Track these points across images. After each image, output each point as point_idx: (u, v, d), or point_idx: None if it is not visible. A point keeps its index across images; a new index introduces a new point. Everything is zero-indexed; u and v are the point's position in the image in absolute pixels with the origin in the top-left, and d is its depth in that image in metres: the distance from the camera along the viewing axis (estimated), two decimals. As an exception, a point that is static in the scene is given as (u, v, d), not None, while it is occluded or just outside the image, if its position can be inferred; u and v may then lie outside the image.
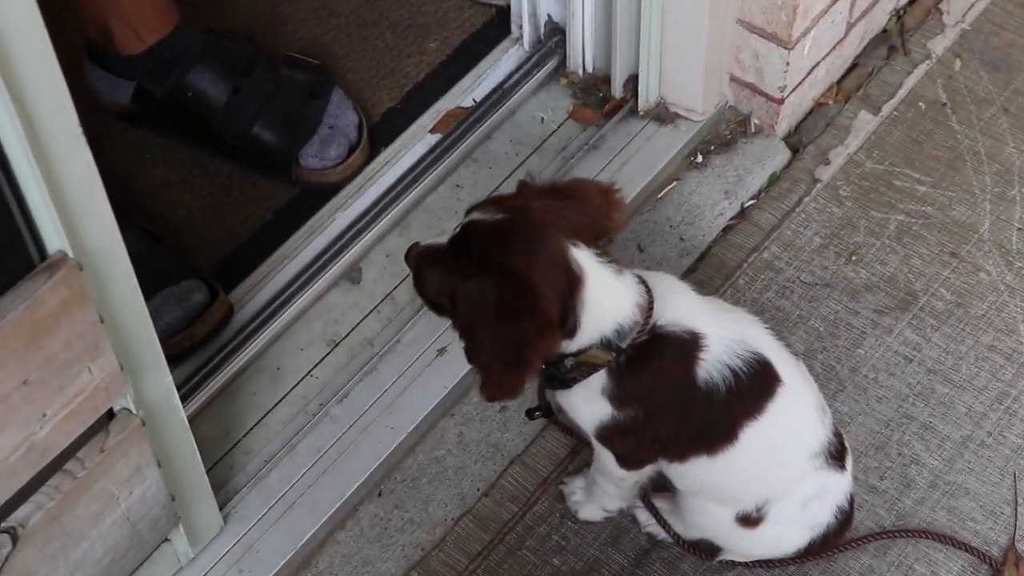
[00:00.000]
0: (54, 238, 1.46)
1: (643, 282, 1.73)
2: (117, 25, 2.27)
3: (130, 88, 2.36)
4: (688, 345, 1.72)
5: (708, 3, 2.25)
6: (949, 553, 2.06)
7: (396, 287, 2.28)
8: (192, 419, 2.09)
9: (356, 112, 2.40)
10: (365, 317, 2.26)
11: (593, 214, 1.69)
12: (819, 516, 1.91)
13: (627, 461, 1.87)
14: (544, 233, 1.63)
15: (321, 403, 2.17)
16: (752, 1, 2.29)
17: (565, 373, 1.74)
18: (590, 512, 2.08)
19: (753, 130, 2.49)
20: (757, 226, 2.40)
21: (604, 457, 1.89)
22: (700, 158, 2.47)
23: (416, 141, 2.42)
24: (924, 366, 2.24)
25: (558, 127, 2.47)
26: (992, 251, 2.37)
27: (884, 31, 2.64)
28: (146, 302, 2.01)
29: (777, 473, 1.85)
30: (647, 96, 2.45)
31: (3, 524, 1.62)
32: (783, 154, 2.49)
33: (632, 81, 2.47)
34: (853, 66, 2.61)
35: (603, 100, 2.50)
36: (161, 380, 1.74)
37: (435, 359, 2.20)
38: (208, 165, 2.41)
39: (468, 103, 2.46)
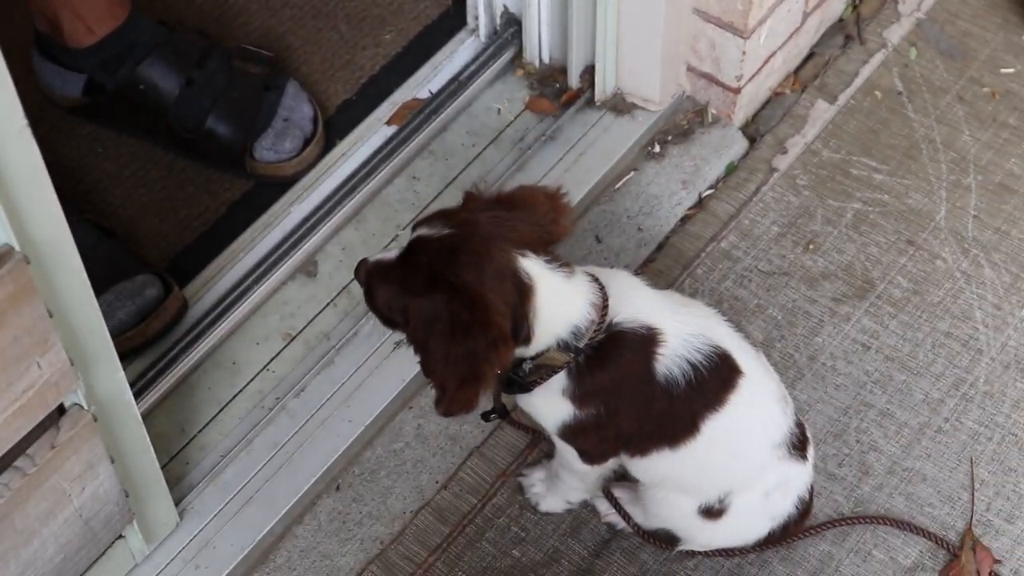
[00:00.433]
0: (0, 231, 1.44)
1: (596, 280, 1.73)
2: (67, 17, 2.25)
3: (81, 81, 2.34)
4: (646, 341, 1.73)
5: (663, -8, 2.25)
6: (907, 538, 2.06)
7: (352, 280, 2.26)
8: (147, 414, 2.08)
9: (311, 104, 2.38)
10: (321, 310, 2.24)
11: (540, 221, 1.70)
12: (781, 507, 1.92)
13: (590, 456, 1.87)
14: (491, 246, 1.63)
15: (278, 397, 2.15)
16: (707, -10, 2.30)
17: (524, 377, 1.74)
18: (552, 504, 2.08)
19: (710, 120, 2.49)
20: (715, 216, 2.40)
21: (566, 453, 1.88)
22: (657, 148, 2.46)
23: (372, 133, 2.40)
24: (882, 353, 2.25)
25: (515, 118, 2.46)
26: (948, 239, 2.37)
27: (840, 20, 2.65)
28: (99, 297, 1.99)
29: (740, 464, 1.86)
30: (604, 87, 2.45)
31: (-48, 522, 1.60)
32: (740, 144, 2.49)
33: (589, 72, 2.46)
34: (810, 55, 2.61)
35: (560, 91, 2.49)
36: (113, 375, 1.72)
37: (392, 352, 2.19)
38: (161, 159, 2.39)
39: (424, 95, 2.45)
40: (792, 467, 1.87)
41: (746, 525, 1.94)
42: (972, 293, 2.31)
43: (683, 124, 2.49)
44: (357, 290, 2.24)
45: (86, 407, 1.70)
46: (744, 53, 2.35)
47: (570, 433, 1.81)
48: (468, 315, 1.60)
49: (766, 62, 2.45)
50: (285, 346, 2.21)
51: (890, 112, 2.53)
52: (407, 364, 2.17)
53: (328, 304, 2.25)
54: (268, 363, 2.19)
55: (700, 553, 2.04)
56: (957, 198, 2.42)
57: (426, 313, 1.63)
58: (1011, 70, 2.59)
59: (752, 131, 2.52)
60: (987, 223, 2.39)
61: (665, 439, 1.80)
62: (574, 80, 2.48)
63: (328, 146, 2.40)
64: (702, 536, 1.97)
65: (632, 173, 2.43)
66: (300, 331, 2.22)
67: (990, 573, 2.02)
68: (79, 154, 2.39)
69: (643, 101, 2.45)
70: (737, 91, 2.43)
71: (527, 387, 1.75)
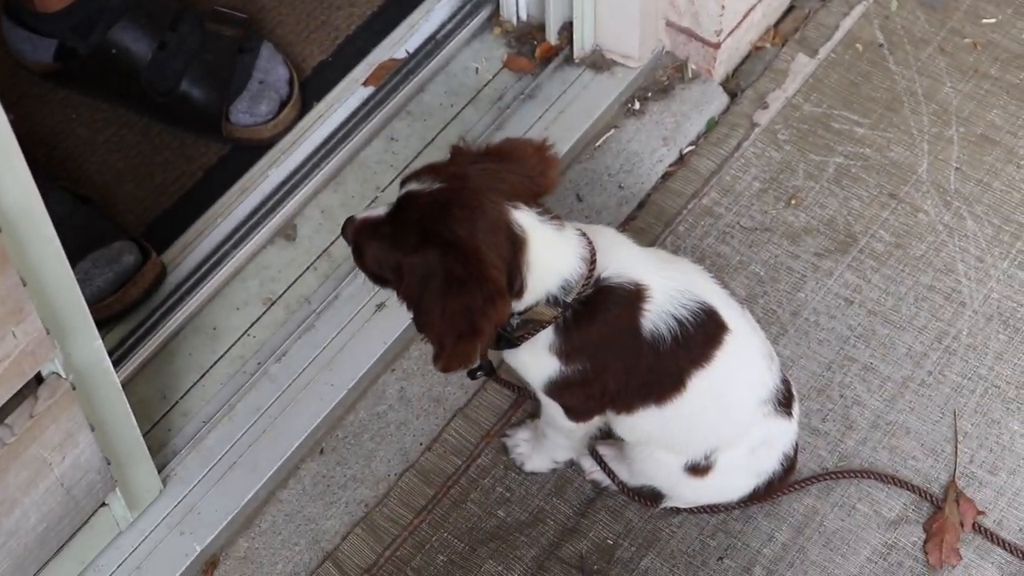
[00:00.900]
0: (-31, 200, 1.43)
1: (584, 235, 1.72)
2: (36, -19, 2.22)
3: (52, 47, 2.31)
4: (632, 296, 1.72)
5: (640, -53, 2.23)
6: (891, 492, 2.07)
7: (332, 243, 2.25)
8: (127, 382, 2.07)
9: (286, 66, 2.36)
10: (301, 274, 2.23)
11: (529, 173, 1.68)
12: (766, 463, 1.92)
13: (575, 413, 1.87)
14: (483, 199, 1.62)
15: (259, 362, 2.14)
16: (685, -56, 2.28)
17: (512, 332, 1.73)
18: (538, 463, 2.08)
19: (690, 75, 2.47)
20: (696, 172, 2.39)
21: (552, 410, 1.88)
22: (637, 105, 2.45)
23: (349, 94, 2.38)
24: (864, 308, 2.24)
25: (493, 77, 2.44)
26: (930, 191, 2.36)
27: (819, -28, 2.63)
28: (75, 265, 1.97)
29: (725, 421, 1.85)
30: (582, 43, 2.43)
31: (-69, 494, 1.59)
32: (721, 99, 2.47)
33: (567, 29, 2.44)
34: (790, 8, 2.60)
35: (537, 49, 2.47)
36: (90, 343, 1.71)
37: (374, 315, 2.18)
38: (136, 124, 2.37)
39: (401, 55, 2.43)
40: (777, 424, 1.87)
41: (731, 482, 1.94)
42: (955, 246, 2.31)
43: (663, 80, 2.48)
44: (338, 253, 2.24)
45: (64, 376, 1.69)
46: (723, 7, 2.33)
47: (556, 389, 1.80)
48: (463, 270, 1.59)
49: (746, 16, 2.43)
50: (266, 311, 2.19)
51: (871, 65, 2.52)
52: (389, 327, 2.16)
53: (308, 268, 2.23)
54: (249, 328, 2.18)
55: (685, 510, 2.04)
56: (939, 150, 2.41)
57: (420, 270, 1.61)
58: (992, 20, 2.58)
59: (732, 86, 2.50)
60: (969, 175, 2.38)
61: (651, 396, 1.80)
62: (552, 37, 2.46)
63: (305, 108, 2.37)
64: (688, 493, 1.97)
65: (612, 131, 2.42)
66: (280, 295, 2.21)
67: (973, 524, 2.03)
68: (52, 120, 2.36)
69: (622, 58, 2.43)
70: (717, 46, 2.41)
71: (514, 342, 1.74)
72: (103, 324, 2.10)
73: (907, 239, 2.31)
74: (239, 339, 2.17)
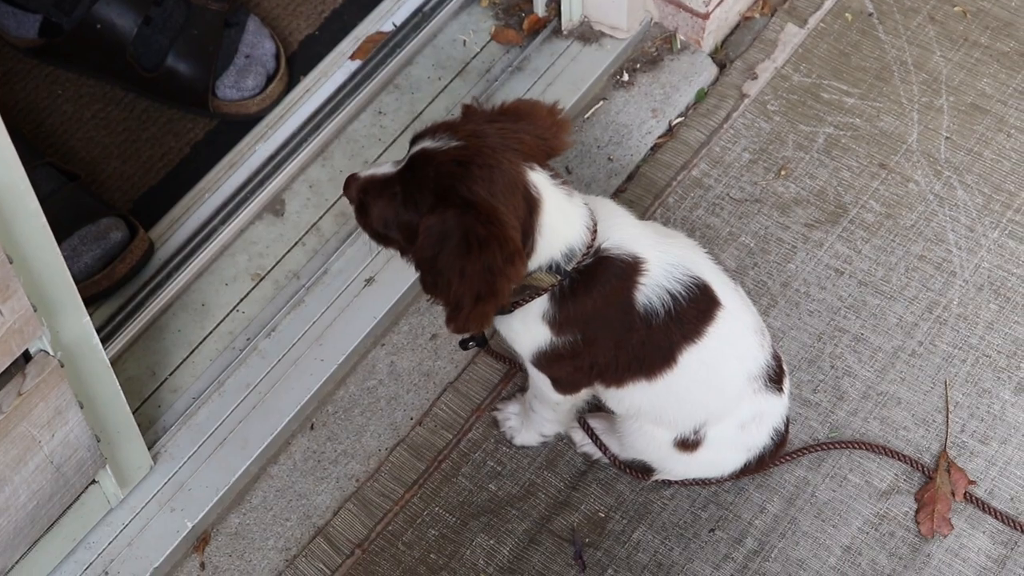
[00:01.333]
0: (-48, 176, 1.42)
1: (586, 204, 1.71)
2: (19, -44, 2.20)
3: (36, 22, 2.29)
4: (630, 269, 1.71)
5: (628, -83, 2.22)
6: (882, 462, 2.07)
7: (321, 218, 2.24)
8: (116, 359, 2.07)
9: (273, 40, 2.34)
10: (290, 249, 2.22)
11: (543, 134, 1.67)
12: (756, 438, 1.91)
13: (563, 385, 1.86)
14: (502, 158, 1.60)
15: (248, 338, 2.14)
16: (673, -86, 2.26)
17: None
18: (526, 437, 2.07)
19: (679, 47, 2.46)
20: (685, 144, 2.38)
21: (539, 382, 1.87)
22: (626, 77, 2.44)
23: (336, 68, 2.37)
24: (855, 278, 2.24)
25: (481, 50, 2.43)
26: (921, 161, 2.36)
27: (808, -58, 2.62)
28: (63, 242, 1.97)
29: (715, 396, 1.85)
30: (570, 15, 2.41)
31: (-81, 473, 1.59)
32: (710, 70, 2.46)
33: (555, 0, 2.43)
34: (778, -22, 2.59)
35: (525, 21, 2.45)
36: (78, 320, 1.70)
37: (363, 289, 2.17)
38: (122, 100, 2.35)
39: (388, 28, 2.41)
40: (768, 399, 1.87)
41: (722, 457, 1.94)
42: (945, 215, 2.30)
43: (652, 51, 2.46)
44: (326, 228, 2.23)
45: (52, 353, 1.68)
46: (712, -23, 2.32)
47: (545, 360, 1.79)
48: (484, 230, 1.57)
49: (734, -14, 2.42)
50: (254, 286, 2.19)
51: (861, 34, 2.51)
52: (378, 301, 2.16)
53: (296, 243, 2.22)
54: (238, 304, 2.17)
55: (676, 482, 2.04)
56: (929, 120, 2.40)
57: (436, 230, 1.59)
58: (981, -11, 2.57)
59: (722, 57, 2.49)
60: (959, 144, 2.37)
61: (642, 370, 1.79)
62: (540, 9, 2.44)
63: (291, 83, 2.36)
64: (678, 468, 1.97)
65: (601, 103, 2.41)
66: (269, 271, 2.20)
67: (965, 494, 2.03)
68: (38, 97, 2.35)
69: (611, 29, 2.42)
70: (706, 16, 2.40)
71: (508, 308, 1.72)
72: (91, 301, 2.10)
73: (897, 209, 2.31)
74: (228, 315, 2.16)
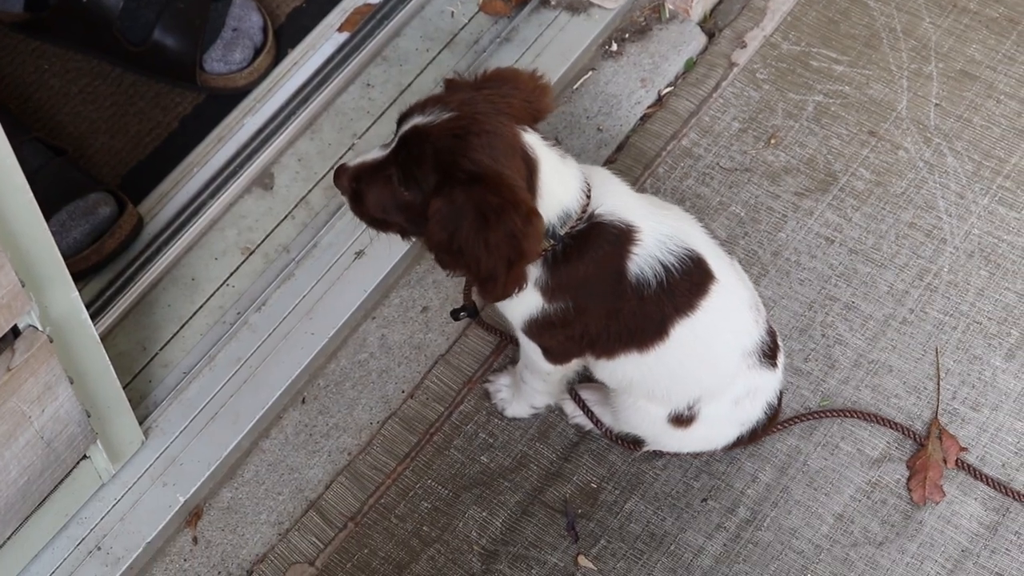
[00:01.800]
0: (-64, 151, 1.41)
1: (579, 170, 1.71)
2: (2, -71, 2.19)
3: (22, -4, 2.29)
4: (622, 237, 1.70)
5: None
6: (874, 430, 2.07)
7: (310, 191, 2.23)
8: (106, 334, 2.06)
9: (260, 13, 2.33)
10: (280, 223, 2.21)
11: (528, 98, 1.66)
12: (750, 413, 1.91)
13: (554, 355, 1.86)
14: (496, 123, 1.59)
15: (239, 312, 2.13)
16: None
17: None
18: (517, 409, 2.07)
19: (668, 16, 2.45)
20: (675, 113, 2.37)
21: (530, 351, 1.87)
22: (615, 47, 2.43)
23: (324, 41, 2.36)
24: (845, 246, 2.24)
25: (468, 21, 2.42)
26: (910, 128, 2.35)
27: (797, -91, 2.60)
28: (51, 217, 1.96)
29: (709, 371, 1.84)
30: (559, -15, 2.40)
31: (-91, 449, 1.58)
32: (699, 39, 2.45)
33: (543, -30, 2.42)
34: (767, -54, 2.57)
35: (514, -9, 2.45)
36: (67, 295, 1.70)
37: (353, 262, 2.16)
38: (109, 74, 2.34)
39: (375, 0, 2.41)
40: (762, 375, 1.86)
41: (715, 432, 1.94)
42: (935, 182, 2.30)
43: (640, 21, 2.45)
44: (315, 201, 2.22)
45: (41, 328, 1.67)
46: (700, -54, 2.31)
47: (536, 329, 1.78)
48: (496, 199, 1.56)
49: (723, -46, 2.41)
50: (244, 260, 2.18)
51: (849, 1, 2.50)
52: (368, 274, 2.15)
53: (286, 216, 2.21)
54: (227, 278, 2.17)
55: (668, 453, 2.04)
56: (919, 87, 2.40)
57: (446, 211, 1.58)
58: (971, -45, 2.56)
59: (710, 26, 2.48)
60: (949, 111, 2.37)
61: (633, 342, 1.78)
62: (528, -21, 2.44)
63: (279, 55, 2.35)
64: (671, 443, 1.97)
65: (590, 73, 2.40)
66: (259, 244, 2.19)
67: (956, 461, 2.03)
68: (24, 72, 2.34)
69: (599, -1, 2.41)
70: (694, -15, 2.39)
71: None
72: (81, 276, 2.09)
73: (887, 177, 2.30)
74: (218, 289, 2.15)
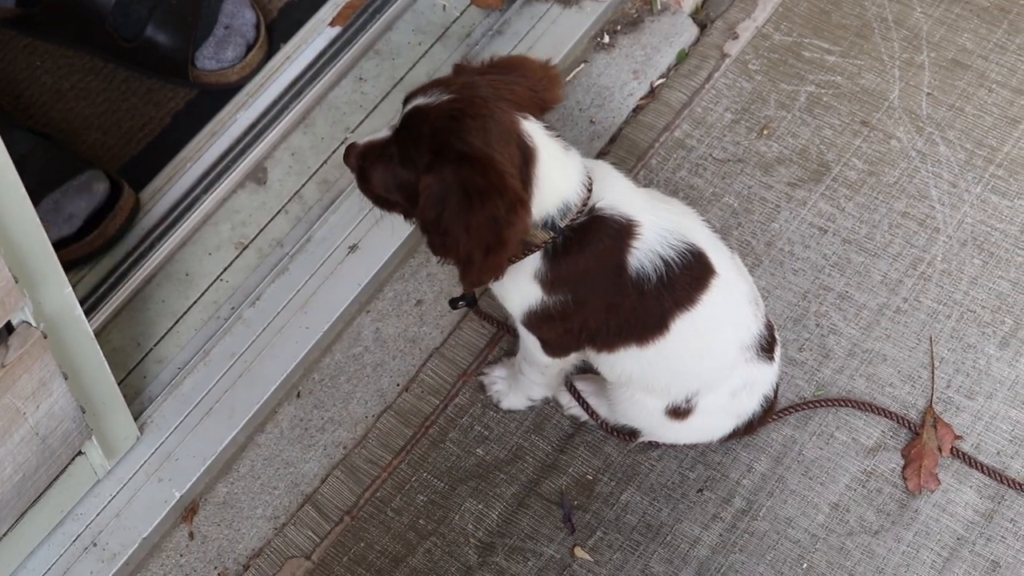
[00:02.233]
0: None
1: (581, 162, 1.71)
2: (-7, -75, 2.18)
3: (13, -8, 2.28)
4: (623, 231, 1.70)
5: None
6: (869, 419, 2.07)
7: (303, 185, 2.23)
8: (100, 330, 2.06)
9: (253, 9, 2.33)
10: (273, 218, 2.21)
11: (535, 87, 1.66)
12: (746, 406, 1.91)
13: (552, 348, 1.86)
14: (494, 108, 1.59)
15: (233, 307, 2.13)
16: None
17: None
18: (513, 401, 2.07)
19: (659, 7, 2.45)
20: (667, 105, 2.37)
21: (529, 343, 1.87)
22: (607, 39, 2.43)
23: (316, 35, 2.36)
24: (839, 236, 2.24)
25: (460, 14, 2.42)
26: (902, 118, 2.36)
27: (788, -100, 2.60)
28: (46, 196, 1.95)
29: (708, 365, 1.84)
30: (550, -23, 2.40)
31: (-96, 446, 1.58)
32: (691, 30, 2.45)
33: (534, -37, 2.42)
34: (758, -63, 2.57)
35: (505, -16, 2.45)
36: (60, 291, 1.69)
37: (347, 256, 2.16)
38: (102, 70, 2.34)
39: (367, -7, 2.40)
40: (760, 368, 1.87)
41: (712, 424, 1.94)
42: (928, 172, 2.30)
43: (632, 13, 2.45)
44: (309, 196, 2.22)
45: (35, 324, 1.67)
46: (691, -63, 2.31)
47: (535, 321, 1.78)
48: (482, 181, 1.56)
49: (714, -54, 2.41)
50: (238, 255, 2.18)
51: (841, -8, 2.50)
52: (362, 268, 2.15)
53: (279, 211, 2.21)
54: (221, 273, 2.16)
55: (663, 444, 2.04)
56: (910, 76, 2.40)
57: (435, 188, 1.58)
58: (962, -56, 2.56)
59: (702, 17, 2.48)
60: (941, 100, 2.37)
61: (633, 335, 1.79)
62: (520, -28, 2.43)
63: (271, 50, 2.35)
64: (668, 434, 1.97)
65: (582, 65, 2.40)
66: (252, 239, 2.19)
67: (951, 449, 2.04)
68: (16, 68, 2.33)
69: (591, -9, 2.41)
70: (686, -23, 2.39)
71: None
72: (87, 261, 2.09)
73: (880, 166, 2.31)
74: (212, 284, 2.15)
